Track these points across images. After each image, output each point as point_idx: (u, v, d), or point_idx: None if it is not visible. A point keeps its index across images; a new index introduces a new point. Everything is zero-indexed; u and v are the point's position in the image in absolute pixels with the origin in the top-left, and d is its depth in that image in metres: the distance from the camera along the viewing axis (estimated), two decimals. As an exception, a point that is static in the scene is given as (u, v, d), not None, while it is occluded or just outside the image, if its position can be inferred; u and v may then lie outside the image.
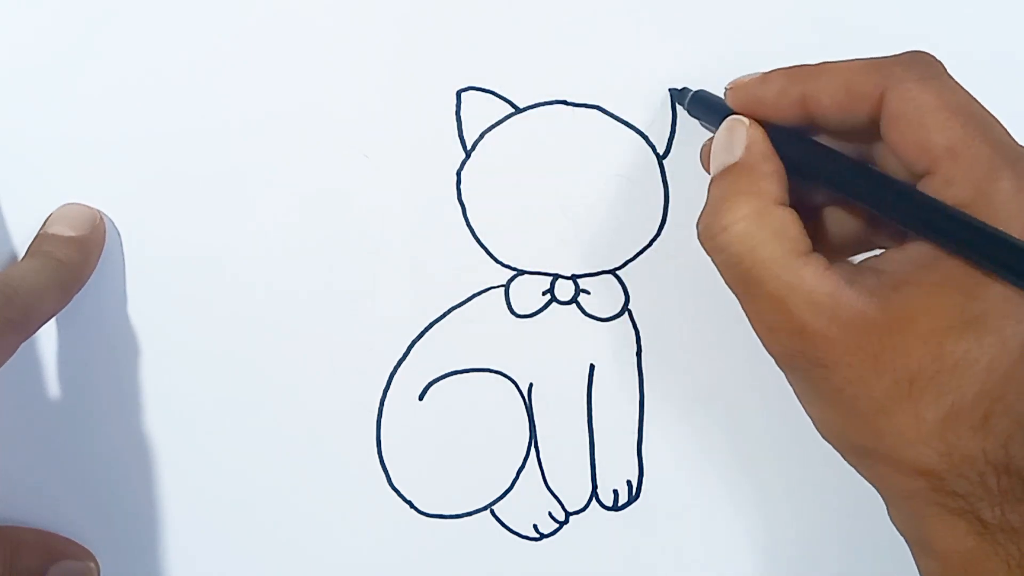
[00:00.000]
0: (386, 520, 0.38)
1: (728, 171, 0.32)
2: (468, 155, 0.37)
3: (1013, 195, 0.28)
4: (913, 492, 0.29)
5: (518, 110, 0.37)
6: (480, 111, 0.37)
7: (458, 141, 0.37)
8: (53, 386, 0.38)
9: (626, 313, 0.38)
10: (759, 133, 0.32)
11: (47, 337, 0.37)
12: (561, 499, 0.39)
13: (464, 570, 0.39)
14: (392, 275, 0.37)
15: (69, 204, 0.36)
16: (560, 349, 0.38)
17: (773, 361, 0.31)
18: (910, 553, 0.30)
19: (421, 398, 0.38)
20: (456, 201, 0.37)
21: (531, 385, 0.38)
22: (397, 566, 0.39)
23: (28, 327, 0.34)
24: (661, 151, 0.37)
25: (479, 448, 0.39)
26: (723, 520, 0.39)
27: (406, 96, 0.36)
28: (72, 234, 0.35)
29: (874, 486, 0.30)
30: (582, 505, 0.39)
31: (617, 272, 0.38)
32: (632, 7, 0.37)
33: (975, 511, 0.28)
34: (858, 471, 0.30)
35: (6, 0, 0.35)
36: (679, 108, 0.37)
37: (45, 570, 0.37)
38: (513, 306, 0.38)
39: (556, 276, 0.38)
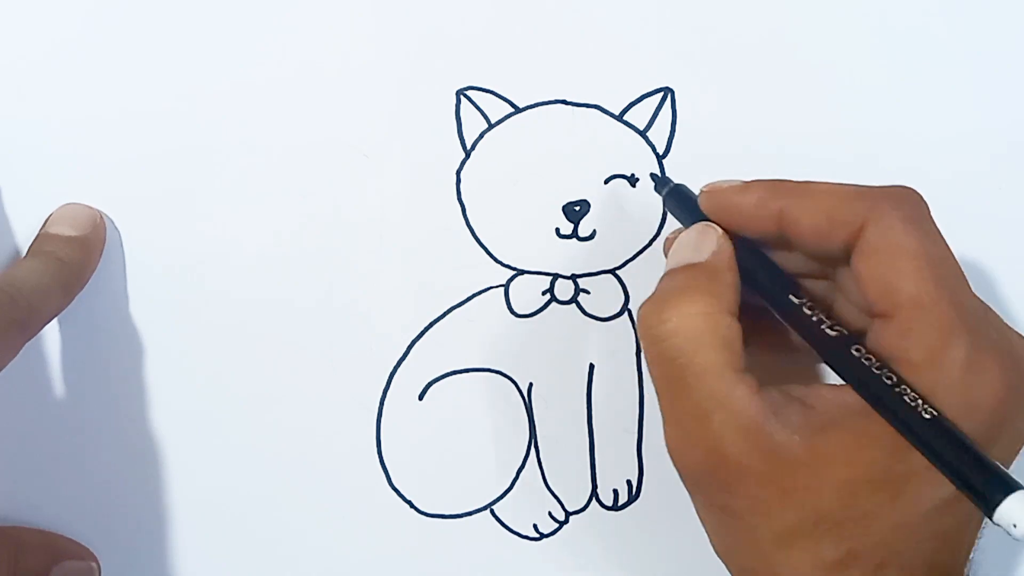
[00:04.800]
0: (386, 520, 0.38)
1: (689, 267, 0.31)
2: (468, 155, 0.37)
3: (962, 367, 0.27)
4: None
5: (518, 110, 0.37)
6: (480, 111, 0.37)
7: (458, 141, 0.37)
8: (55, 386, 0.38)
9: (626, 313, 0.38)
10: (729, 245, 0.31)
11: (49, 337, 0.37)
12: (561, 499, 0.39)
13: (464, 570, 0.39)
14: (392, 275, 0.37)
15: (69, 204, 0.36)
16: (560, 349, 0.38)
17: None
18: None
19: (421, 398, 0.38)
20: (456, 201, 0.37)
21: (531, 385, 0.38)
22: (397, 566, 0.39)
23: (31, 327, 0.34)
24: (661, 151, 0.37)
25: (479, 448, 0.39)
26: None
27: (406, 96, 0.36)
28: (73, 234, 0.35)
29: None
30: (582, 505, 0.39)
31: (617, 272, 0.38)
32: (632, 7, 0.37)
33: None
34: None
35: (7, 0, 0.35)
36: (678, 108, 0.37)
37: (48, 570, 0.37)
38: (513, 306, 0.38)
39: (556, 276, 0.38)
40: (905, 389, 0.27)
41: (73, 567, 0.38)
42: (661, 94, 0.37)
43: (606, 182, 0.37)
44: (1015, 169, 0.38)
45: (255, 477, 0.38)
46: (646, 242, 0.38)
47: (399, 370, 0.38)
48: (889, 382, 0.27)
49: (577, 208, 0.37)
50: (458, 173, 0.37)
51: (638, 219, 0.37)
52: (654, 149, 0.37)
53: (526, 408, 0.39)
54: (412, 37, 0.36)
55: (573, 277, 0.38)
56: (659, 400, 0.30)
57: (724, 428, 0.28)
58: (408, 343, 0.38)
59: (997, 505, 0.25)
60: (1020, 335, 0.30)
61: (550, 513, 0.39)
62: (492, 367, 0.38)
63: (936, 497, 0.28)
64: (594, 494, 0.39)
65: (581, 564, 0.39)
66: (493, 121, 0.37)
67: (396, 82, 0.36)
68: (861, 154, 0.38)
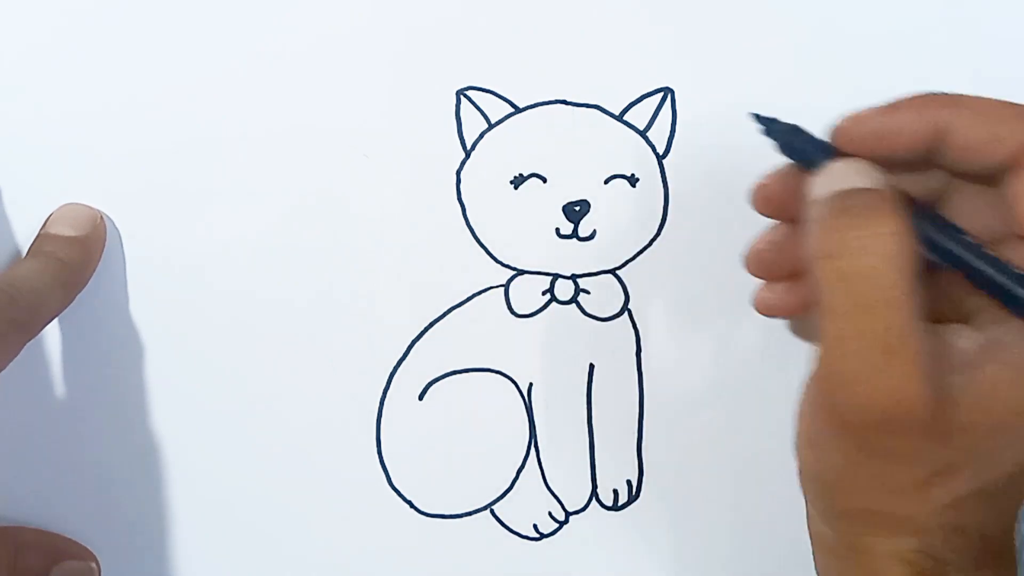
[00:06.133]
0: (386, 520, 0.38)
1: (867, 190, 0.27)
2: (468, 155, 0.37)
3: None
4: (894, 553, 0.28)
5: (518, 110, 0.37)
6: (480, 111, 0.37)
7: (458, 141, 0.37)
8: (55, 387, 0.38)
9: (626, 313, 0.38)
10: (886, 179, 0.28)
11: (49, 338, 0.37)
12: (561, 499, 0.39)
13: (464, 570, 0.39)
14: (392, 275, 0.37)
15: (70, 204, 0.36)
16: (560, 349, 0.38)
17: (773, 365, 0.29)
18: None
19: (421, 398, 0.38)
20: (456, 201, 0.37)
21: (531, 385, 0.38)
22: (397, 566, 0.39)
23: (32, 328, 0.34)
24: (661, 151, 0.37)
25: (479, 448, 0.39)
26: (723, 520, 0.39)
27: (406, 96, 0.36)
28: (73, 234, 0.35)
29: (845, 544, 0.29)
30: (582, 505, 0.39)
31: (617, 272, 0.38)
32: (632, 7, 0.37)
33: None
34: (827, 522, 0.29)
35: (8, 1, 0.35)
36: (679, 108, 0.37)
37: (48, 570, 0.37)
38: (513, 306, 0.38)
39: (556, 276, 0.38)
40: None
41: (73, 567, 0.38)
42: (661, 94, 0.37)
43: (606, 182, 0.37)
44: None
45: (255, 477, 0.38)
46: (646, 242, 0.37)
47: (399, 370, 0.38)
48: None
49: (577, 208, 0.37)
50: (458, 173, 0.37)
51: (638, 219, 0.37)
52: (654, 149, 0.37)
53: (526, 408, 0.39)
54: (413, 37, 0.36)
55: (573, 277, 0.38)
56: (824, 324, 0.26)
57: (910, 367, 0.25)
58: (408, 343, 0.38)
59: None
60: None
61: (550, 513, 0.39)
62: (492, 367, 0.38)
63: None
64: (594, 494, 0.39)
65: (581, 564, 0.39)
66: (493, 121, 0.37)
67: (396, 82, 0.36)
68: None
